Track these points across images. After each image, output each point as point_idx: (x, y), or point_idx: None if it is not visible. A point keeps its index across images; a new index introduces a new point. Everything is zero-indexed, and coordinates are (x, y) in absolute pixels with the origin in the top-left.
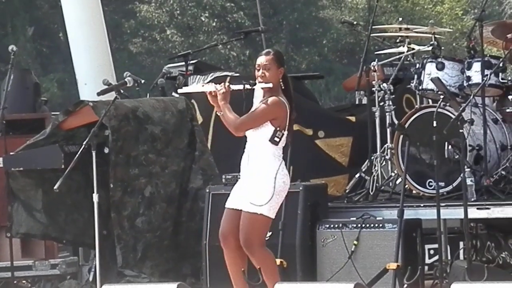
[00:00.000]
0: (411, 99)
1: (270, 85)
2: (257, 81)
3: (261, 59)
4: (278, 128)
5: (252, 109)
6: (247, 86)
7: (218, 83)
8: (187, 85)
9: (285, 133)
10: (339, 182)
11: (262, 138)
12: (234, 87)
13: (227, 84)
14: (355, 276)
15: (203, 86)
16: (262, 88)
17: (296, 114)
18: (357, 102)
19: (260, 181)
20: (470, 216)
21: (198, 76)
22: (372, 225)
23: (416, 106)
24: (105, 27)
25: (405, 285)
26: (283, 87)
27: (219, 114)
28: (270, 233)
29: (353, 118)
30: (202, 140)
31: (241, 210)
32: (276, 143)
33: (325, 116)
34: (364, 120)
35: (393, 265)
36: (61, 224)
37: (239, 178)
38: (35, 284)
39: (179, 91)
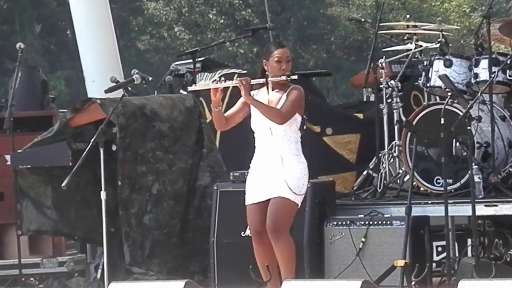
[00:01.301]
0: (418, 96)
1: (296, 76)
2: (279, 73)
3: (281, 51)
4: (304, 116)
5: (278, 100)
6: (270, 79)
7: (226, 80)
8: (195, 83)
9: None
10: (346, 179)
11: (292, 127)
12: (254, 81)
13: (248, 78)
14: (363, 273)
15: (220, 82)
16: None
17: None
18: (364, 99)
19: (298, 171)
20: (478, 213)
21: (206, 73)
22: (380, 222)
23: (424, 103)
24: (112, 24)
25: (413, 282)
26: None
27: (214, 110)
28: None
29: (361, 115)
30: (210, 138)
31: (267, 200)
32: (304, 131)
33: (333, 113)
34: (372, 117)
35: (401, 262)
36: (71, 221)
37: (247, 174)
38: (42, 282)
39: (190, 88)
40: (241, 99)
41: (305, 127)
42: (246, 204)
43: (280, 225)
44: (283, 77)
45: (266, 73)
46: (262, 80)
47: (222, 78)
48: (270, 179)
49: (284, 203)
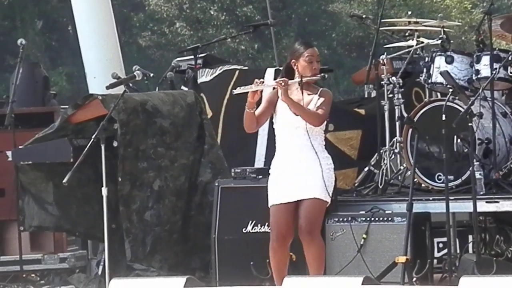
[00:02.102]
0: (420, 93)
1: (326, 76)
2: (310, 72)
3: (312, 51)
4: (327, 118)
5: (310, 101)
6: (313, 78)
7: (227, 76)
8: (196, 79)
9: None
10: (348, 175)
11: (321, 129)
12: (291, 81)
13: (285, 79)
14: (364, 269)
15: (258, 83)
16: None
17: None
18: (366, 96)
19: (329, 172)
20: (479, 209)
21: (207, 69)
22: (381, 218)
23: (425, 99)
24: (114, 20)
25: (414, 279)
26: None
27: (249, 111)
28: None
29: (362, 111)
30: (211, 134)
31: (296, 201)
32: (327, 131)
33: (334, 109)
34: (373, 113)
35: (402, 259)
36: (73, 217)
37: (249, 172)
38: (44, 278)
39: (235, 92)
40: (266, 100)
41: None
42: (271, 204)
43: (316, 227)
44: (318, 77)
45: (296, 73)
46: (298, 80)
47: (262, 80)
48: (306, 179)
49: (319, 204)
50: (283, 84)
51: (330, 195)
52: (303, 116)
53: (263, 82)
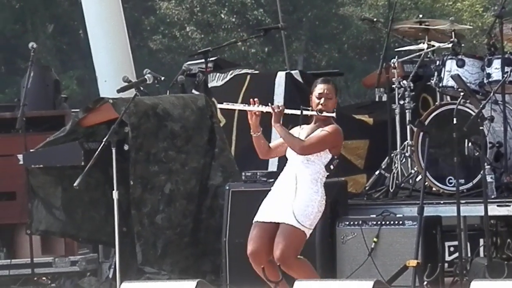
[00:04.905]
0: (427, 99)
1: (334, 114)
2: (316, 108)
3: (323, 87)
4: (335, 156)
5: (309, 134)
6: (306, 112)
7: (239, 81)
8: (207, 82)
9: (337, 160)
10: (357, 181)
11: (319, 163)
12: (289, 111)
13: (282, 106)
14: (375, 273)
15: (253, 105)
16: (318, 116)
17: None
18: (376, 99)
19: (308, 203)
20: (490, 213)
21: (218, 73)
22: (392, 222)
23: (436, 103)
24: (125, 24)
25: (425, 282)
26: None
27: (254, 135)
28: None
29: (370, 121)
30: (222, 137)
31: (277, 223)
32: (330, 170)
33: (342, 118)
34: (381, 122)
35: (413, 262)
36: (78, 222)
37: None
38: (55, 281)
39: (219, 106)
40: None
41: (332, 167)
42: (254, 220)
43: (289, 255)
44: (314, 112)
45: (310, 107)
46: (296, 111)
47: (256, 100)
48: (283, 202)
49: (295, 232)
50: (276, 110)
51: (309, 227)
52: (286, 141)
53: (259, 104)
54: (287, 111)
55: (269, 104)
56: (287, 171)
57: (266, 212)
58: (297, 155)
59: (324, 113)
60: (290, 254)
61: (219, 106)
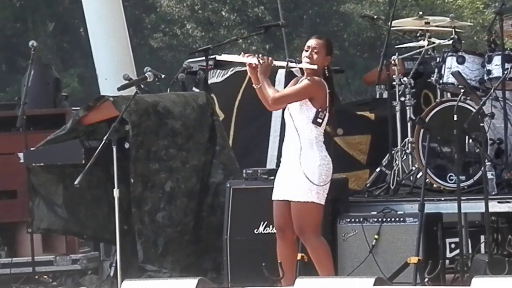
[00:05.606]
0: (429, 95)
1: (315, 67)
2: (303, 61)
3: (312, 41)
4: (320, 109)
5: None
6: (291, 64)
7: (239, 78)
8: (207, 80)
9: (327, 114)
10: (359, 177)
11: (305, 121)
12: (277, 62)
13: (270, 58)
14: (376, 270)
15: (244, 56)
16: (305, 69)
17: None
18: (377, 96)
19: (306, 168)
20: (491, 210)
21: (219, 70)
22: (393, 219)
23: (437, 100)
24: (125, 22)
25: (426, 279)
26: (327, 75)
27: (255, 87)
28: None
29: (372, 116)
30: (222, 135)
31: (290, 201)
32: (319, 124)
33: (344, 113)
34: (383, 118)
35: (414, 259)
36: (81, 219)
37: (261, 172)
38: (56, 279)
39: (218, 57)
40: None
41: (320, 120)
42: (272, 199)
43: (304, 229)
44: (300, 65)
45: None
46: (283, 63)
47: (248, 54)
48: (288, 178)
49: (303, 207)
50: (262, 61)
51: (315, 193)
52: (261, 96)
53: (250, 55)
54: (275, 62)
55: (257, 55)
56: (285, 142)
57: (277, 190)
58: (291, 118)
59: (306, 65)
60: (305, 228)
61: (218, 57)
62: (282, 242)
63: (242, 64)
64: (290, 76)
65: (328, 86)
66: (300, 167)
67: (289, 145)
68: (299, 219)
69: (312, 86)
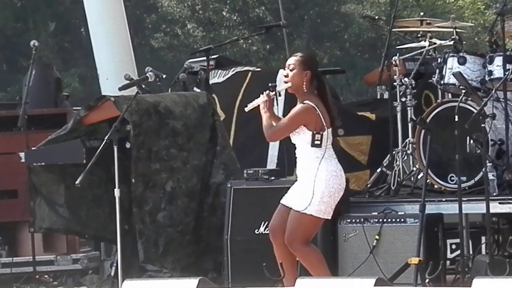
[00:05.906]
0: (430, 96)
1: (289, 84)
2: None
3: (289, 60)
4: (315, 132)
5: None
6: (272, 92)
7: (240, 78)
8: (208, 80)
9: (325, 132)
10: (360, 177)
11: (304, 143)
12: (272, 94)
13: (266, 93)
14: (376, 270)
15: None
16: (288, 89)
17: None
18: (378, 97)
19: (312, 182)
20: (492, 210)
21: (220, 70)
22: (393, 219)
23: (438, 100)
24: (126, 22)
25: (427, 280)
26: (316, 91)
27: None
28: None
29: (372, 116)
30: (223, 135)
31: (291, 207)
32: (319, 146)
33: (344, 114)
34: (383, 118)
35: (414, 260)
36: (83, 219)
37: (262, 173)
38: (57, 279)
39: (247, 109)
40: None
41: (318, 142)
42: None
43: (293, 238)
44: (283, 87)
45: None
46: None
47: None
48: (295, 188)
49: (297, 217)
50: (269, 98)
51: (312, 207)
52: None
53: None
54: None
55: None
56: (296, 154)
57: (286, 195)
58: (294, 140)
59: (281, 86)
60: (294, 238)
61: (246, 109)
62: (273, 243)
63: (243, 64)
64: None
65: (321, 100)
66: (307, 179)
67: (299, 159)
68: (292, 227)
69: (299, 115)
